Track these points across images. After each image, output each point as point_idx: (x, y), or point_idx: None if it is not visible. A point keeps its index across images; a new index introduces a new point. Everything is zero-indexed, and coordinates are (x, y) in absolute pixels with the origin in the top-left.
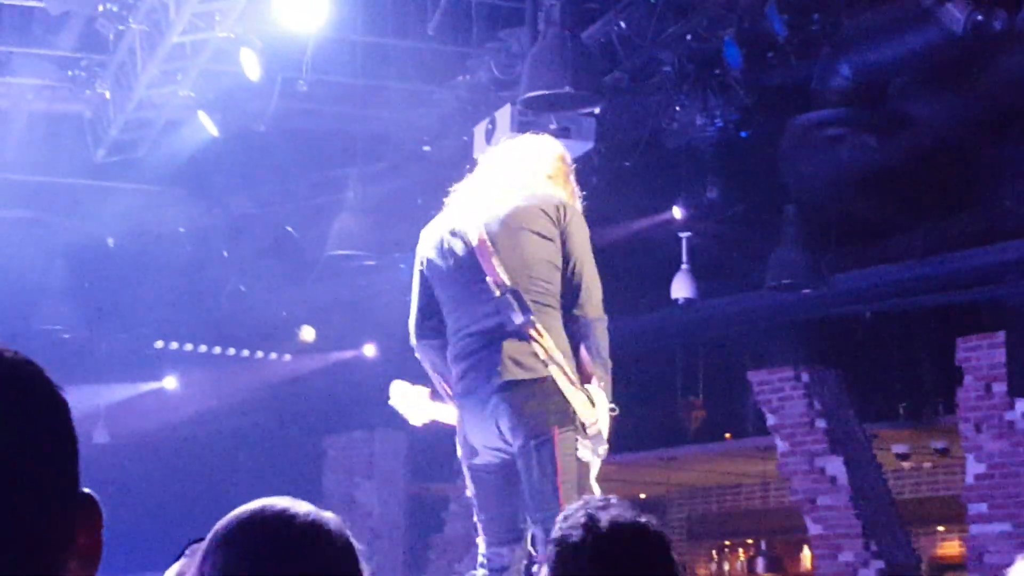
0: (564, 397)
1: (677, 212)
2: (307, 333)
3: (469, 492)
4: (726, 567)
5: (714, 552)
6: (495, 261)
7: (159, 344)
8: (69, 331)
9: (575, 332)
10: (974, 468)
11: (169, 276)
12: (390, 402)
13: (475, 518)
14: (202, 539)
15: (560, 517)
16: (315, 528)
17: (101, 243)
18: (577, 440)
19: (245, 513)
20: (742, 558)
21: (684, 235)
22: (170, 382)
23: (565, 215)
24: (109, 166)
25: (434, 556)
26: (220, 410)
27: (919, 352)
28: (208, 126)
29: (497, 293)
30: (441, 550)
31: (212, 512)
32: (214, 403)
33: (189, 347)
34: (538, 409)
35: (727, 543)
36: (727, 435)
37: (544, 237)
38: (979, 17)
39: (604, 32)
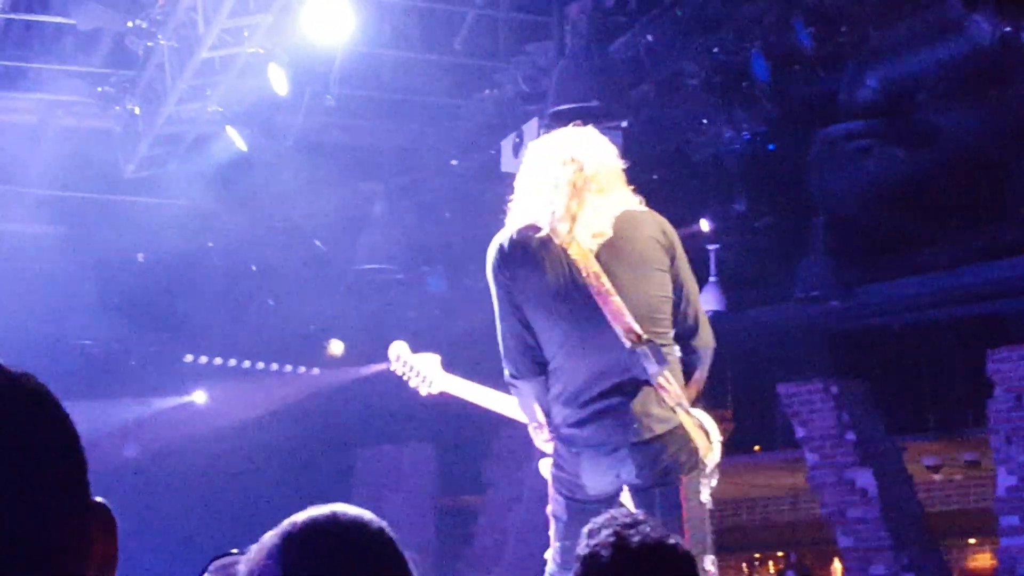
0: (692, 443)
1: (705, 225)
2: (336, 347)
3: (550, 511)
4: None
5: (744, 565)
6: (619, 304)
7: (189, 358)
8: (99, 345)
9: (691, 361)
10: (1005, 480)
11: (198, 291)
12: (390, 367)
13: (555, 541)
14: (227, 554)
15: (586, 531)
16: (385, 536)
17: (131, 258)
18: (700, 483)
19: (320, 516)
20: (772, 570)
21: (712, 247)
22: (200, 396)
23: (669, 237)
24: (139, 181)
25: (464, 569)
26: (249, 424)
27: (949, 364)
28: (237, 141)
29: (627, 343)
30: (470, 563)
31: (240, 526)
32: (243, 417)
33: (219, 361)
34: (670, 460)
35: (757, 555)
36: (756, 447)
37: (661, 271)
38: (1007, 28)
39: (631, 45)
